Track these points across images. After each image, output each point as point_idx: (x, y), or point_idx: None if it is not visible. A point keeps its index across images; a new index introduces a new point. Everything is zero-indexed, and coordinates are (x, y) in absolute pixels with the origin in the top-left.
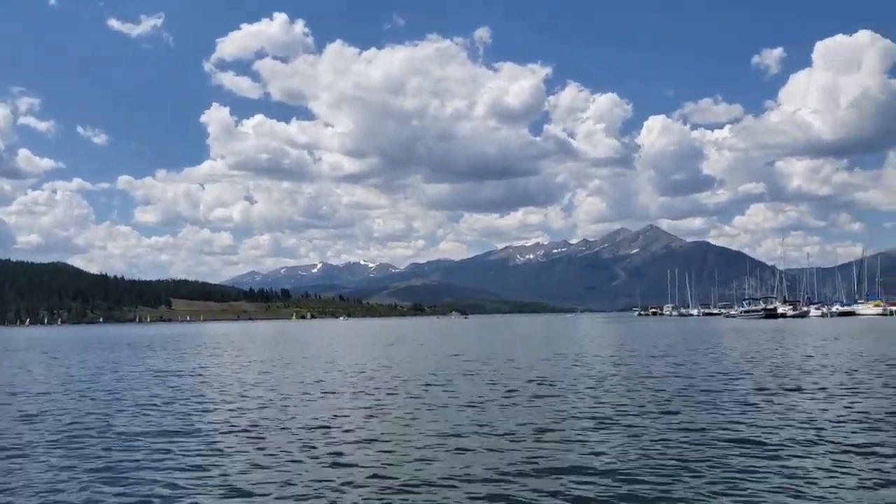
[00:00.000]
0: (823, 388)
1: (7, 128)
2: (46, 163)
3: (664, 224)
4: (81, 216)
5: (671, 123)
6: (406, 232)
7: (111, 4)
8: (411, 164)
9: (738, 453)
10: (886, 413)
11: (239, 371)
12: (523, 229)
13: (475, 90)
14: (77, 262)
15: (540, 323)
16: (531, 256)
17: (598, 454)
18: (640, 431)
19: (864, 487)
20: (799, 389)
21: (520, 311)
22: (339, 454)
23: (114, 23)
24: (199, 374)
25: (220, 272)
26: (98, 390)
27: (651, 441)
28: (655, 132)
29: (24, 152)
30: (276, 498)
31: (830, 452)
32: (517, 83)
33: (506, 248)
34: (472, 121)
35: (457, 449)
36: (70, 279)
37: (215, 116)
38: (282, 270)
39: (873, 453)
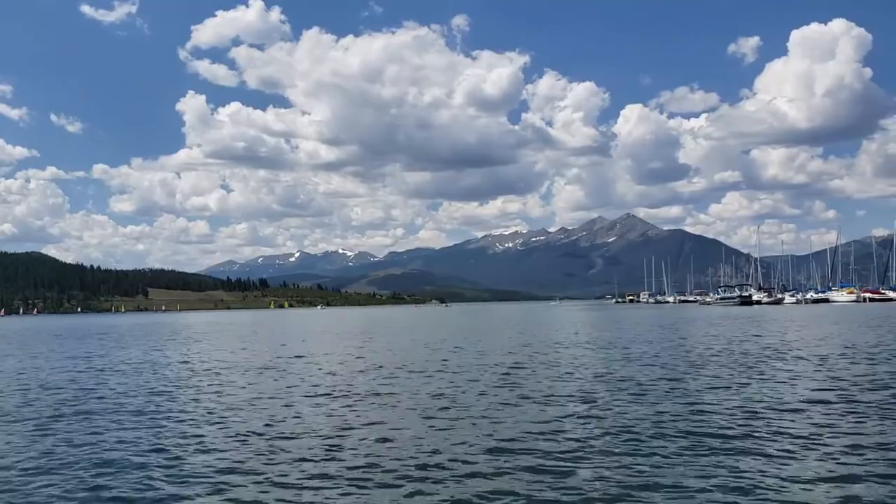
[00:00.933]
0: (788, 373)
1: None
2: (19, 151)
3: (641, 212)
4: (56, 205)
5: (648, 112)
6: (385, 220)
7: None
8: (390, 153)
9: (691, 441)
10: (840, 397)
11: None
12: (502, 218)
13: (453, 78)
14: (52, 251)
15: (519, 311)
16: (510, 245)
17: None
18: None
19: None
20: (762, 376)
21: (499, 299)
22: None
23: (86, 9)
24: (182, 366)
25: (197, 261)
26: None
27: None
28: (632, 121)
29: None
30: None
31: (775, 440)
32: (495, 71)
33: (485, 236)
34: (450, 109)
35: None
36: (45, 269)
37: (191, 104)
38: (259, 259)
39: (826, 440)
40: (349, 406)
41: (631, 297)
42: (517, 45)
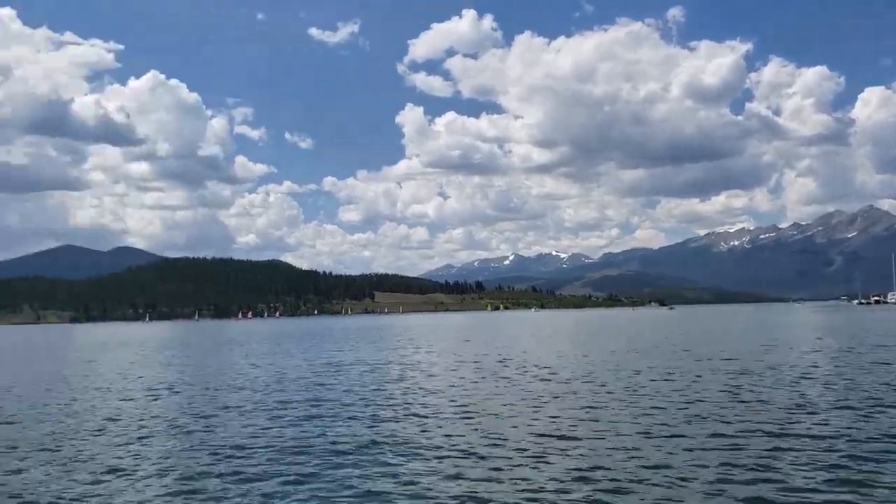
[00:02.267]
0: None
1: (226, 137)
2: (260, 168)
3: (885, 204)
4: (292, 216)
5: (891, 95)
6: (599, 221)
7: (311, 14)
8: (603, 151)
9: None
10: None
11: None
12: (726, 214)
13: (669, 71)
14: (289, 259)
15: (757, 313)
16: (736, 243)
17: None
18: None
19: None
20: None
21: (724, 300)
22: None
23: (314, 31)
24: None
25: (417, 266)
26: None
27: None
28: (872, 105)
29: (240, 159)
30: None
31: None
32: (715, 61)
33: (708, 234)
34: (667, 103)
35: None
36: (284, 275)
37: (410, 117)
38: (475, 263)
39: None
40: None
41: (876, 298)
42: (738, 32)
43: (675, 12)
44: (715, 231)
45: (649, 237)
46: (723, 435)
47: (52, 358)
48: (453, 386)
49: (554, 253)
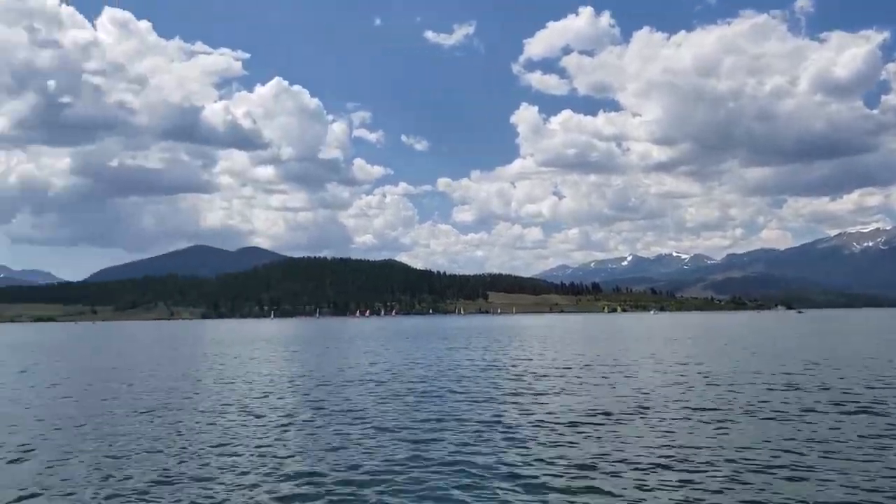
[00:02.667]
0: None
1: (345, 140)
2: (377, 170)
3: None
4: (407, 217)
5: None
6: (722, 220)
7: (427, 18)
8: (727, 149)
9: None
10: None
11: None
12: (859, 213)
13: (797, 64)
14: (404, 259)
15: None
16: (870, 243)
17: None
18: None
19: None
20: None
21: (856, 304)
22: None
23: (430, 35)
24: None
25: (531, 266)
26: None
27: None
28: None
29: (358, 161)
30: None
31: None
32: (847, 52)
33: (839, 234)
34: (795, 97)
35: None
36: (399, 275)
37: (524, 116)
38: (591, 264)
39: None
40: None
41: None
42: (873, 21)
43: (803, 3)
44: (846, 231)
45: (775, 237)
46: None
47: (212, 349)
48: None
49: (674, 254)
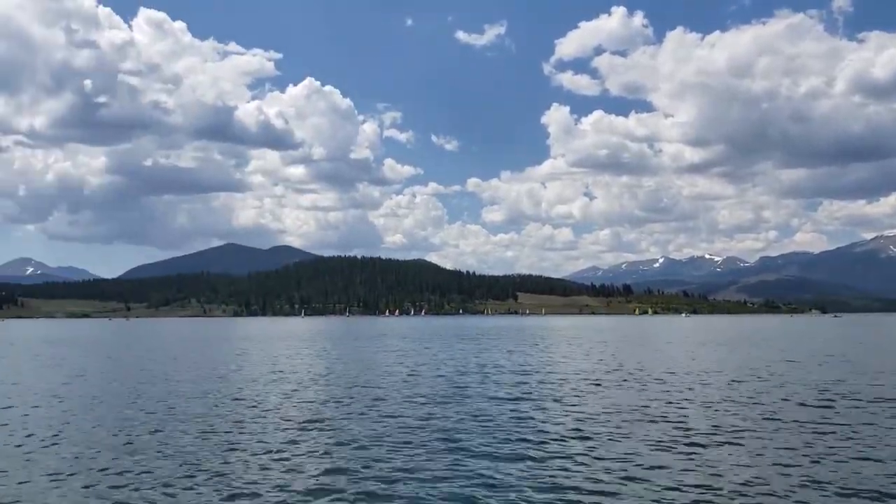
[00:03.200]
0: None
1: (375, 140)
2: (407, 170)
3: None
4: (437, 217)
5: None
6: (755, 223)
7: (458, 18)
8: (761, 150)
9: None
10: None
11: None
12: None
13: (834, 65)
14: (434, 258)
15: None
16: None
17: None
18: None
19: None
20: None
21: (893, 309)
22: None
23: (461, 35)
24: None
25: (561, 267)
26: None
27: None
28: None
29: (389, 161)
30: None
31: None
32: (886, 52)
33: (876, 237)
34: (831, 98)
35: None
36: (429, 275)
37: (555, 116)
38: (623, 265)
39: None
40: None
41: None
42: None
43: (840, 2)
44: (884, 235)
45: (810, 241)
46: None
47: (246, 345)
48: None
49: (707, 256)
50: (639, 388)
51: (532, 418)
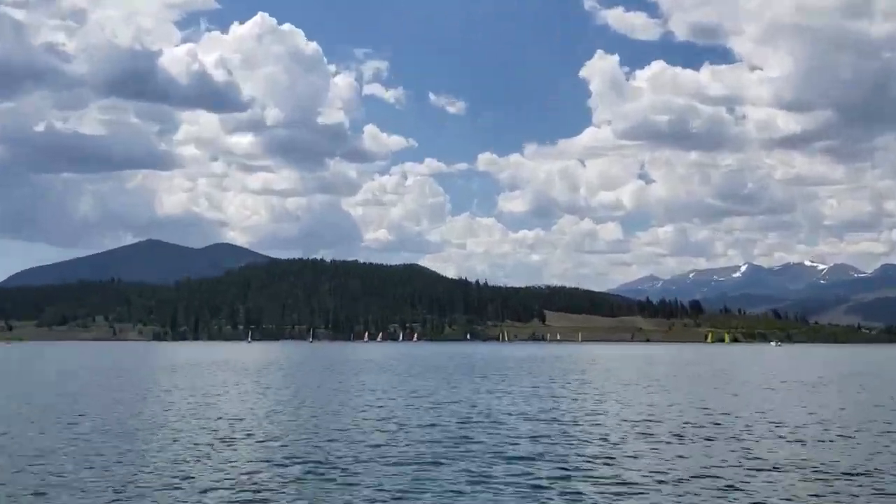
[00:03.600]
0: None
1: (352, 100)
2: (395, 141)
3: None
4: (436, 206)
5: None
6: (875, 217)
7: None
8: (882, 118)
9: None
10: None
11: None
12: None
13: None
14: (429, 262)
15: None
16: None
17: None
18: None
19: None
20: None
21: None
22: None
23: None
24: None
25: (606, 276)
26: None
27: None
28: None
29: (370, 129)
30: None
31: None
32: None
33: None
34: None
35: None
36: (423, 284)
37: (599, 68)
38: (690, 275)
39: None
40: None
41: None
42: None
43: None
44: None
45: None
46: None
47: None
48: None
49: (807, 263)
50: (730, 457)
51: None
